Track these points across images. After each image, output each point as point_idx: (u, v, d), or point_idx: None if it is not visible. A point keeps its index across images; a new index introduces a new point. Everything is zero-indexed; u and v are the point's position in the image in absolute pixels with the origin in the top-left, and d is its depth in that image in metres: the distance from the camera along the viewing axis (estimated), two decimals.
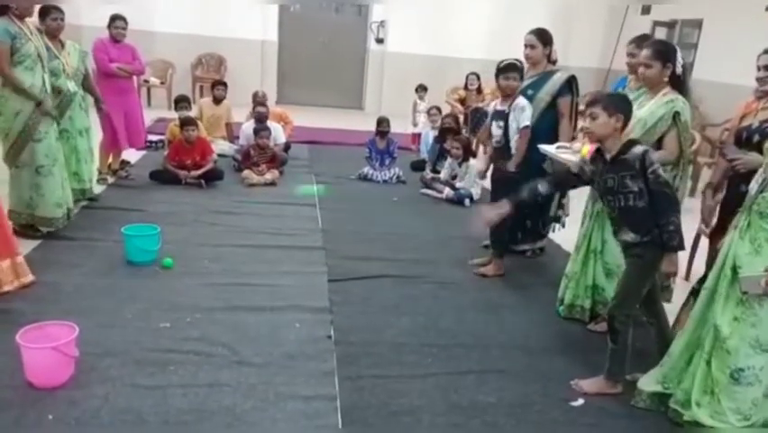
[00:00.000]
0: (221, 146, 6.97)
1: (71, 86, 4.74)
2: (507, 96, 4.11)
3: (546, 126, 4.27)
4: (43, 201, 4.14)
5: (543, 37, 4.31)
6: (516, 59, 4.12)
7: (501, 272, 4.26)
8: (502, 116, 4.10)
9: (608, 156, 2.80)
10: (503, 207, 3.08)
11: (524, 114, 4.03)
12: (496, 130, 4.15)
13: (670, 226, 2.66)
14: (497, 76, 4.14)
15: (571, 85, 4.32)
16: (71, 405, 2.51)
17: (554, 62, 4.45)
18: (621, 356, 2.89)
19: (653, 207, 2.71)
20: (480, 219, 3.20)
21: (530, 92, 4.27)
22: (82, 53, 5.00)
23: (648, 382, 2.86)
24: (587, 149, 3.44)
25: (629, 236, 2.81)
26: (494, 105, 4.28)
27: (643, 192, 2.71)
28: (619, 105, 2.78)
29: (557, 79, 4.29)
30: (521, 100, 4.06)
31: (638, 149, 2.72)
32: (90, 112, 5.16)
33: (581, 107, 8.60)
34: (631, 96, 3.53)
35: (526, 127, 4.03)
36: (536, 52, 4.29)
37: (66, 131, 4.77)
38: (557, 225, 4.69)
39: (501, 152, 4.16)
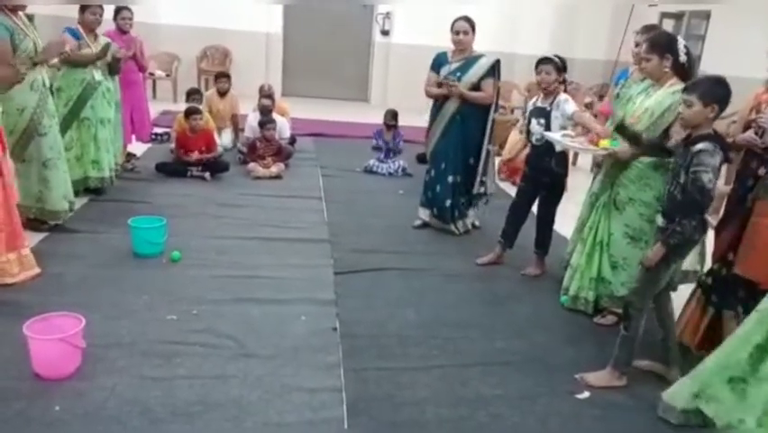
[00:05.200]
0: (225, 138, 6.97)
1: (97, 75, 4.88)
2: (548, 92, 4.04)
3: (472, 106, 4.67)
4: (51, 195, 4.14)
5: (473, 24, 4.64)
6: (555, 55, 4.06)
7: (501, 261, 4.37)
8: (543, 114, 4.03)
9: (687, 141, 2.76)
10: None
11: (567, 104, 3.96)
12: (536, 127, 4.07)
13: (677, 227, 2.67)
14: (536, 70, 4.10)
15: (494, 68, 4.67)
16: (78, 396, 2.52)
17: None
18: (630, 344, 2.90)
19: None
20: None
21: (459, 74, 4.63)
22: (109, 43, 5.07)
23: (678, 397, 2.72)
24: (606, 143, 3.42)
25: (659, 220, 2.82)
26: (533, 101, 4.22)
27: (683, 186, 2.69)
28: (717, 95, 2.67)
29: (484, 63, 4.65)
30: (562, 94, 4.01)
31: (698, 146, 2.64)
32: (113, 105, 5.16)
33: (588, 99, 8.55)
34: (635, 88, 3.52)
35: (574, 113, 3.98)
36: (468, 38, 4.63)
37: (87, 119, 4.87)
38: (482, 203, 5.00)
39: (542, 150, 4.05)
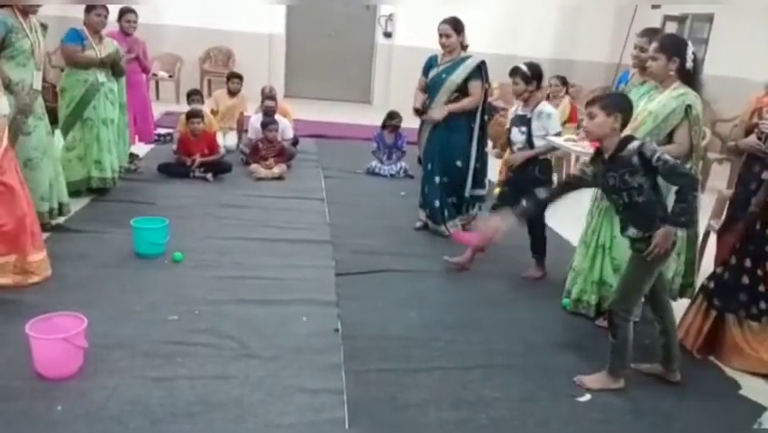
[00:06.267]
0: (230, 140, 7.00)
1: (100, 76, 4.89)
2: (523, 100, 4.07)
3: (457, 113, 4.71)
4: (30, 195, 4.10)
5: (456, 26, 4.64)
6: (527, 62, 4.09)
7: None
8: (524, 121, 4.06)
9: (606, 155, 2.77)
10: (506, 222, 3.05)
11: (551, 121, 3.99)
12: (518, 135, 4.09)
13: (682, 204, 2.64)
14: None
15: (480, 69, 4.65)
16: (80, 396, 2.53)
17: (466, 48, 4.77)
18: (622, 351, 2.89)
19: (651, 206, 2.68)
20: (483, 237, 3.23)
21: (444, 75, 4.69)
22: (117, 49, 5.08)
23: None
24: None
25: (632, 232, 2.80)
26: (514, 109, 4.23)
27: (642, 187, 2.69)
28: (618, 105, 2.74)
29: (470, 64, 4.65)
30: (546, 106, 4.03)
31: (633, 144, 2.68)
32: (117, 106, 5.18)
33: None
34: (636, 93, 3.51)
35: (558, 134, 4.01)
36: (452, 41, 4.63)
37: (90, 119, 4.89)
38: (480, 205, 5.03)
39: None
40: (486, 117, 4.99)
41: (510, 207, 4.17)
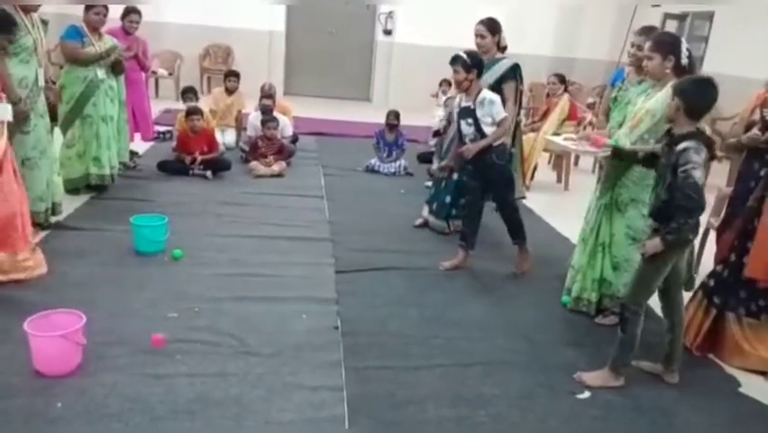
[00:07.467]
0: (229, 137, 6.99)
1: (100, 73, 4.91)
2: (463, 90, 4.05)
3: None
4: (27, 194, 4.08)
5: (491, 26, 4.57)
6: (467, 51, 4.06)
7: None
8: (470, 113, 4.02)
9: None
10: None
11: (494, 107, 3.97)
12: (466, 128, 4.05)
13: (680, 220, 2.64)
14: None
15: (514, 71, 4.54)
16: (80, 393, 2.53)
17: (504, 48, 4.69)
18: (628, 346, 2.89)
19: (673, 203, 2.67)
20: None
21: None
22: (117, 46, 5.09)
23: None
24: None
25: (649, 221, 2.82)
26: (457, 101, 4.18)
27: (671, 187, 2.68)
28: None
29: (501, 66, 4.52)
30: (487, 93, 4.00)
31: (682, 144, 2.64)
32: (117, 103, 5.18)
33: (590, 100, 8.46)
34: (633, 91, 3.51)
35: (505, 118, 4.01)
36: (486, 41, 4.55)
37: (89, 116, 4.89)
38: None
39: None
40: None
41: (480, 198, 4.20)
